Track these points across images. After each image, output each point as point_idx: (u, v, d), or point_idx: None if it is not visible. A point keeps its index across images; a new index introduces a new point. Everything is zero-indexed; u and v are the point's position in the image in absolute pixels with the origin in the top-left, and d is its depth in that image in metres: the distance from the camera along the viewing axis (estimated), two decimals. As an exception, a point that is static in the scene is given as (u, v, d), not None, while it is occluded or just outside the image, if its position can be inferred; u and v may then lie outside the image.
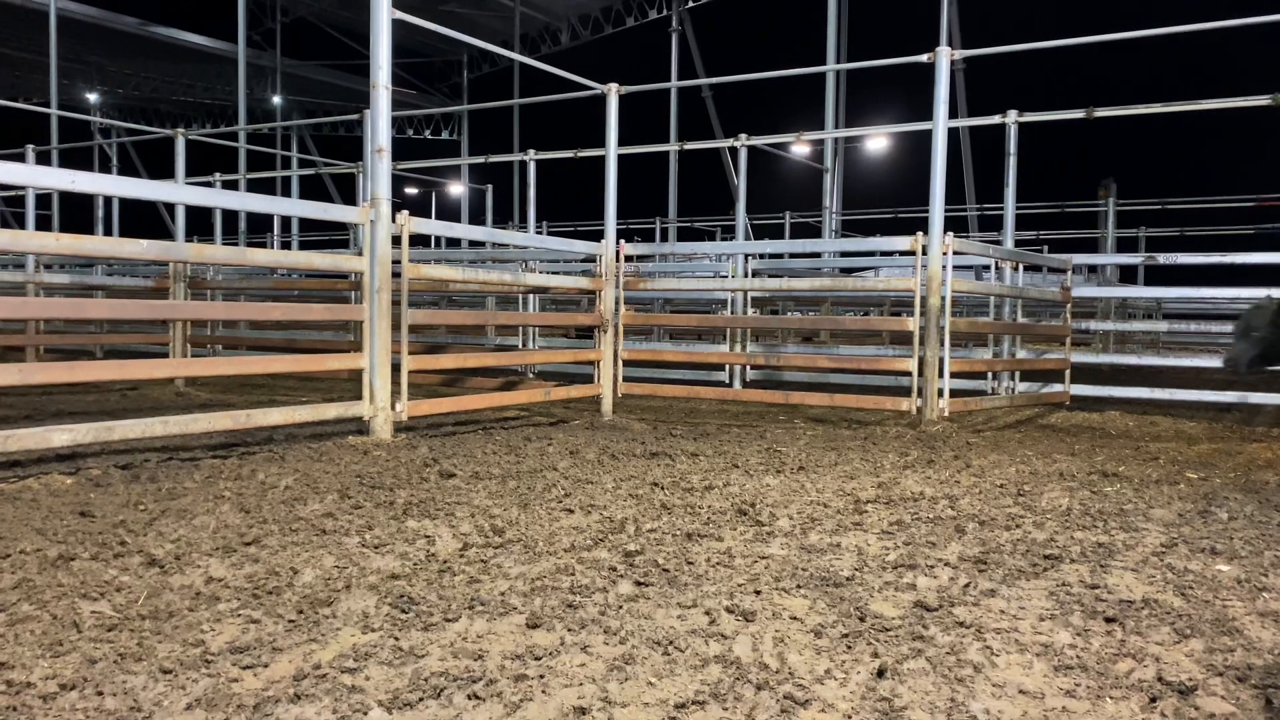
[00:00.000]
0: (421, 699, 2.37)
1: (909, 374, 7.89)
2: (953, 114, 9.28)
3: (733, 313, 10.80)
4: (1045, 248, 20.90)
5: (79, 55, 28.10)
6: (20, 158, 14.86)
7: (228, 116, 35.00)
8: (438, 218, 21.01)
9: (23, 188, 15.33)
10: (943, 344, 7.76)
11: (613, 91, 8.89)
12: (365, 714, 2.29)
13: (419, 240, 9.06)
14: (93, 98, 33.30)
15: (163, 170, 19.45)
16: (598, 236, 8.98)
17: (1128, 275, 20.08)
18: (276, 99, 30.64)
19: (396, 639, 2.78)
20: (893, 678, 2.54)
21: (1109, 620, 3.01)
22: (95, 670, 2.54)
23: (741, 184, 13.41)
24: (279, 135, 29.40)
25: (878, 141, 23.42)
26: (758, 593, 3.24)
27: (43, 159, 16.44)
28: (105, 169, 25.73)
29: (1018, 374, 9.72)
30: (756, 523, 4.33)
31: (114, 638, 2.78)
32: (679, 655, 2.66)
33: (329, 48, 31.34)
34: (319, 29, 30.84)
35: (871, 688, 2.48)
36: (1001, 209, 10.32)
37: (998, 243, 10.98)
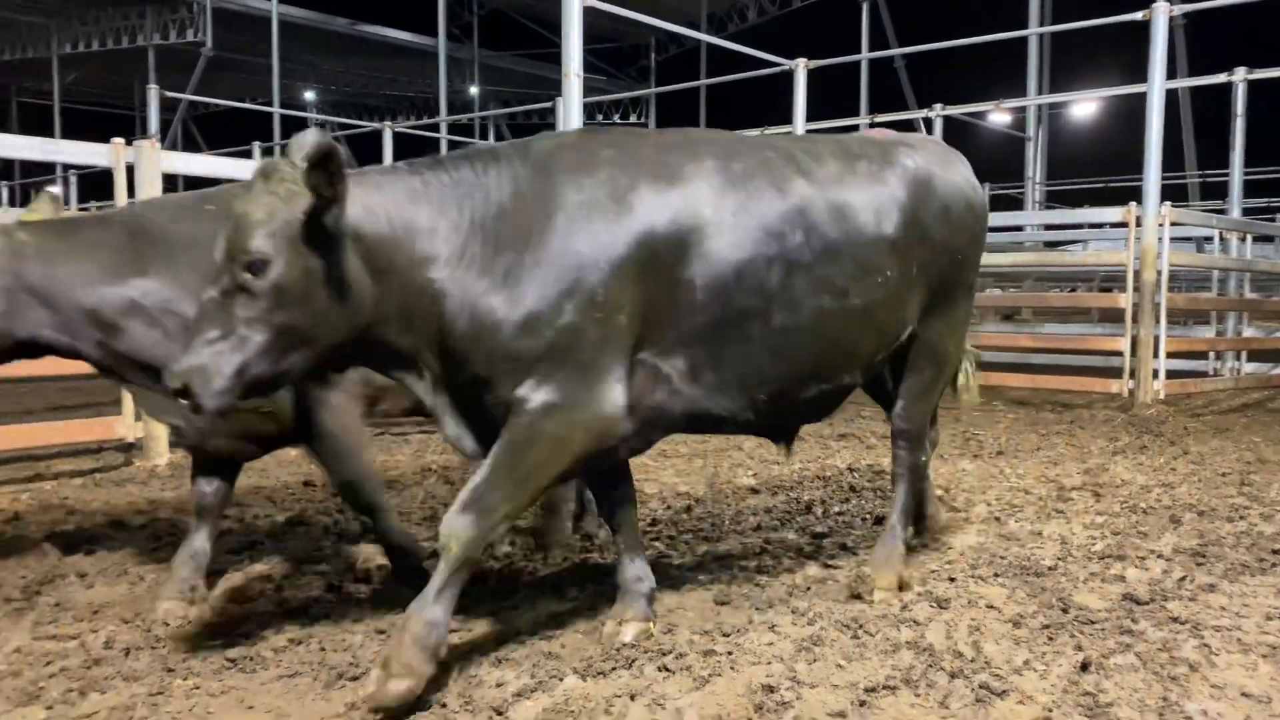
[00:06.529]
0: (614, 669, 2.45)
1: (1120, 354, 7.53)
2: (1171, 74, 8.63)
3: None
4: (1278, 217, 19.09)
5: (297, 56, 30.09)
6: (248, 154, 16.15)
7: (430, 108, 36.66)
8: (626, 200, 21.34)
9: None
10: (1158, 321, 7.34)
11: (800, 67, 8.76)
12: (561, 680, 2.38)
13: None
14: (309, 95, 35.66)
15: (372, 161, 20.66)
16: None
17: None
18: (474, 90, 31.88)
19: (592, 609, 2.88)
20: (1098, 672, 2.42)
21: (1349, 623, 2.75)
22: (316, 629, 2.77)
23: (936, 157, 12.91)
24: (477, 125, 30.56)
25: (1085, 107, 22.04)
26: (952, 580, 3.15)
27: (268, 155, 17.80)
28: (322, 162, 27.50)
29: (1244, 354, 9.04)
30: (951, 508, 4.20)
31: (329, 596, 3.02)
32: (868, 639, 2.62)
33: (523, 37, 32.27)
34: (513, 19, 31.80)
35: (1074, 681, 2.37)
36: (1227, 175, 9.54)
37: (1222, 212, 10.18)
